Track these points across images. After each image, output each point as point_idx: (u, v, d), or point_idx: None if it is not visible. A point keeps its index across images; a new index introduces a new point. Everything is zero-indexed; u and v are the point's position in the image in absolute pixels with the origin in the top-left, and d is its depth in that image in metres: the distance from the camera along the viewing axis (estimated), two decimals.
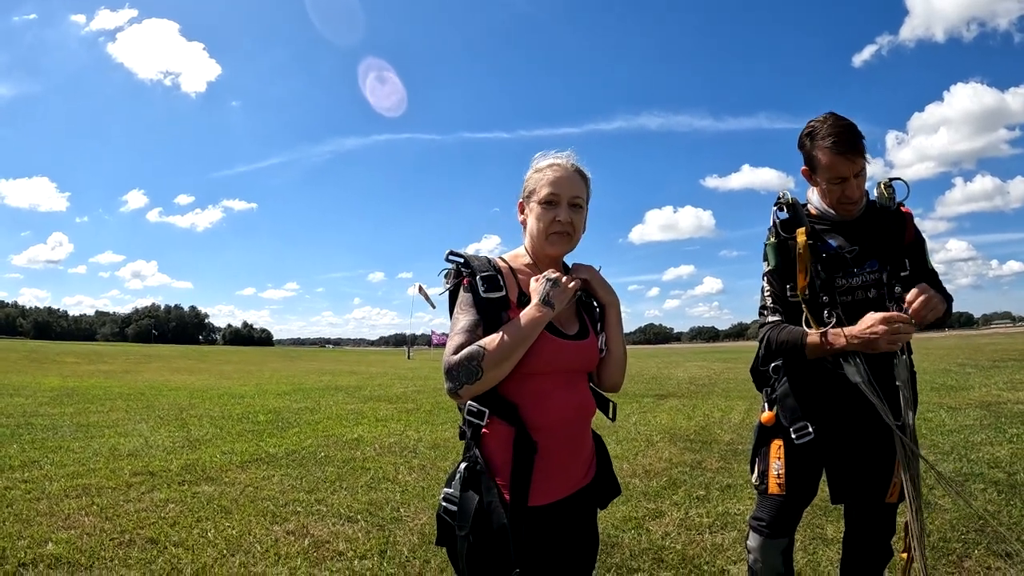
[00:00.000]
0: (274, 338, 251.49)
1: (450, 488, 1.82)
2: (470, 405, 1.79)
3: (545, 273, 1.83)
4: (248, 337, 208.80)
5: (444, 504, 1.81)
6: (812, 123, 2.44)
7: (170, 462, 6.65)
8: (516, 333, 1.72)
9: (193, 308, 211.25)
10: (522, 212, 1.99)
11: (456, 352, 1.73)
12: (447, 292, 1.92)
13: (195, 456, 7.03)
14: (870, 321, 2.21)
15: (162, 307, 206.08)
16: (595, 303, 2.07)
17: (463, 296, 1.85)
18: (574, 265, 2.04)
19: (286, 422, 10.10)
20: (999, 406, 9.79)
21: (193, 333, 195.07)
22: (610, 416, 2.05)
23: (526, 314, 1.75)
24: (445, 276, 1.91)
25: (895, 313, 2.20)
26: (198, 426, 9.55)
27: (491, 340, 1.71)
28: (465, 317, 1.80)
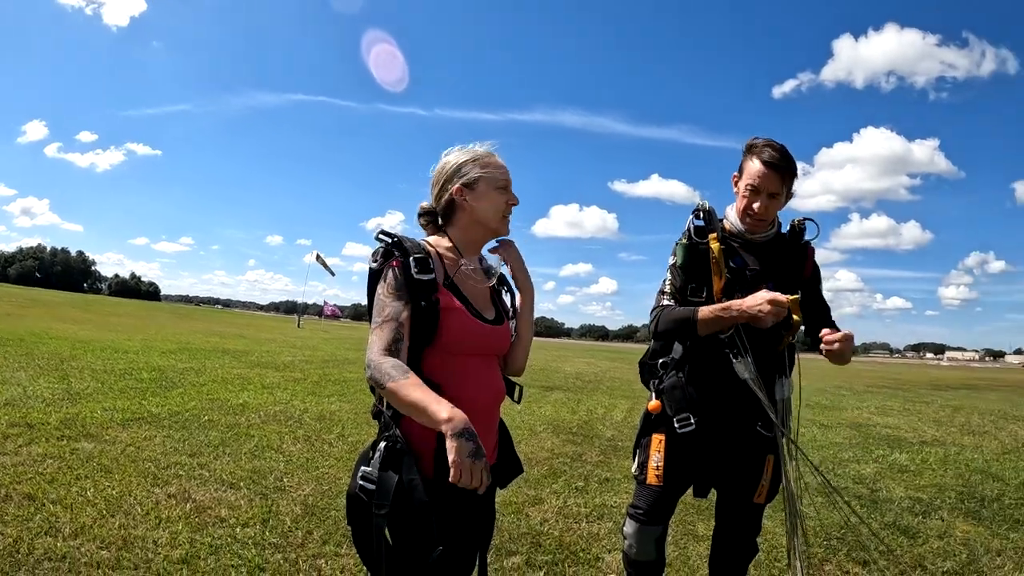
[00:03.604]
0: (162, 293, 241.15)
1: (367, 467, 1.78)
2: None
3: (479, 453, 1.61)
4: (135, 289, 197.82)
5: (361, 483, 1.78)
6: (758, 138, 2.58)
7: (49, 415, 6.31)
8: (411, 402, 1.67)
9: (81, 253, 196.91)
10: (461, 197, 1.96)
11: (382, 351, 1.75)
12: (369, 270, 1.90)
13: (75, 410, 6.69)
14: (760, 299, 2.34)
15: (48, 249, 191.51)
16: (506, 289, 2.13)
17: (391, 279, 1.83)
18: (500, 241, 2.08)
19: (170, 382, 9.71)
20: (868, 428, 10.41)
21: (78, 280, 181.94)
22: (516, 399, 2.11)
23: (431, 410, 1.63)
24: (374, 255, 1.89)
25: (780, 297, 2.33)
26: (79, 379, 9.05)
27: (395, 384, 1.68)
28: (392, 303, 1.80)
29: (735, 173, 2.65)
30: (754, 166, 2.52)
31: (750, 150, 2.57)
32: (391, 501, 1.73)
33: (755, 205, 2.54)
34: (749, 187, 2.54)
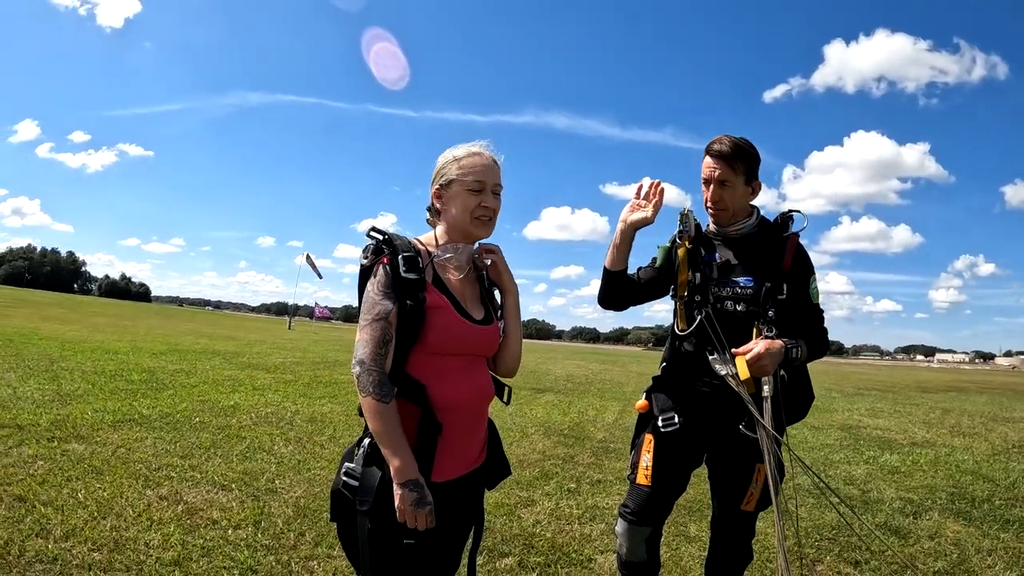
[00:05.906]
0: (152, 294, 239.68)
1: (351, 463, 1.79)
2: None
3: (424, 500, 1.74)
4: (125, 290, 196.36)
5: (345, 479, 1.78)
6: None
7: (39, 416, 6.18)
8: (376, 430, 1.74)
9: (71, 254, 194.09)
10: (439, 199, 1.96)
11: (373, 354, 1.75)
12: (360, 267, 1.87)
13: (66, 412, 6.56)
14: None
15: (38, 249, 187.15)
16: (496, 290, 2.08)
17: (381, 276, 1.80)
18: (480, 245, 2.03)
19: (161, 383, 9.54)
20: (859, 430, 10.35)
21: (68, 280, 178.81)
22: (505, 400, 2.06)
23: (388, 451, 1.72)
24: (364, 252, 1.86)
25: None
26: (69, 380, 8.88)
27: (372, 403, 1.72)
28: (382, 301, 1.78)
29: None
30: (705, 161, 2.57)
31: (705, 150, 2.59)
32: (374, 497, 1.73)
33: (712, 196, 2.57)
34: (703, 181, 2.59)
